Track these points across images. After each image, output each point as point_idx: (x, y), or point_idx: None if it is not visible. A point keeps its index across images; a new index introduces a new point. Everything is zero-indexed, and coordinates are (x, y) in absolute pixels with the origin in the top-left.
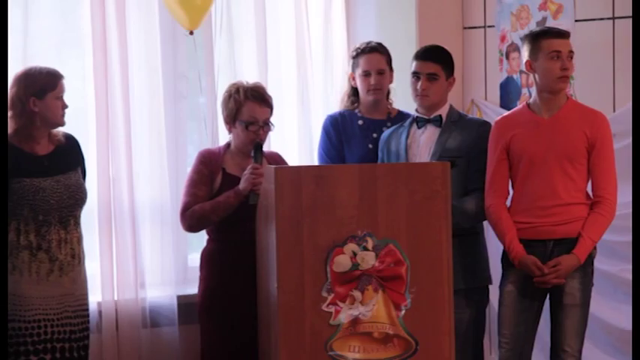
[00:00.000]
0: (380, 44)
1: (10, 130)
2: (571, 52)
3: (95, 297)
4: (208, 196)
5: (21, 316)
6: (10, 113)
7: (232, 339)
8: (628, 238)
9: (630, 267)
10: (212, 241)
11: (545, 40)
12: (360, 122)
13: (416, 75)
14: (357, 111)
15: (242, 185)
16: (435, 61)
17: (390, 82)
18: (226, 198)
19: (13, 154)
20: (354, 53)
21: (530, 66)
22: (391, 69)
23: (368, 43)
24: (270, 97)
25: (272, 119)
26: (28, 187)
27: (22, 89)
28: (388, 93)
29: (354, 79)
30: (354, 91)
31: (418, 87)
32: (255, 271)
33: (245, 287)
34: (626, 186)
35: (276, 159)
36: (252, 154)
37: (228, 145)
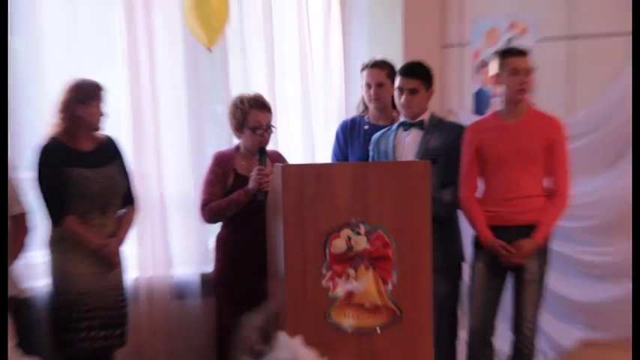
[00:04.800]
0: (382, 61)
1: (59, 129)
2: (530, 68)
3: (132, 274)
4: (222, 193)
5: (69, 289)
6: (60, 116)
7: (242, 310)
8: (580, 224)
9: (586, 249)
10: (224, 228)
11: (507, 58)
12: (366, 127)
13: (400, 89)
14: (366, 117)
15: (250, 185)
16: (416, 77)
17: (391, 93)
18: (238, 196)
19: (62, 149)
20: (361, 67)
21: (496, 80)
22: (393, 82)
23: (372, 60)
24: (269, 103)
25: (276, 123)
26: (75, 175)
27: (70, 96)
28: (393, 102)
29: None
30: (364, 100)
31: (402, 100)
32: (260, 254)
33: (251, 267)
34: (578, 180)
35: (277, 157)
36: (257, 156)
37: (237, 147)
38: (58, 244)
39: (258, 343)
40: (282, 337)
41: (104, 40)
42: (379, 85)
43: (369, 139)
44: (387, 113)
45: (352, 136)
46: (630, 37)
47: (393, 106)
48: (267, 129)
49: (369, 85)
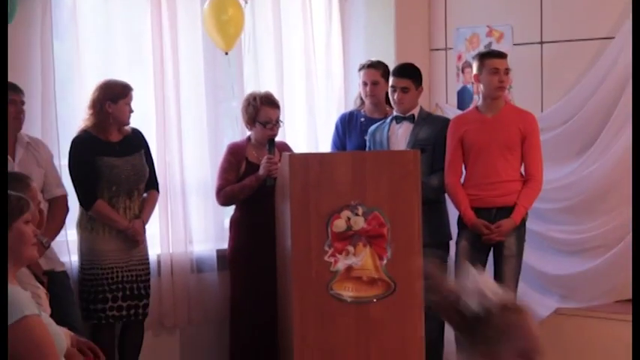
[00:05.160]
0: (377, 61)
1: (90, 123)
2: (507, 69)
3: (155, 250)
4: (235, 179)
5: (98, 264)
6: (90, 111)
7: (253, 283)
8: (553, 205)
9: (558, 228)
10: (238, 211)
11: (487, 59)
12: (362, 120)
13: (393, 87)
14: (362, 111)
15: (261, 172)
16: (407, 77)
17: (386, 90)
18: (249, 181)
19: (93, 140)
20: (359, 67)
21: (477, 79)
22: (386, 80)
23: (368, 61)
24: (278, 100)
25: (283, 117)
26: (105, 163)
27: (101, 95)
28: (388, 98)
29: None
30: (361, 96)
31: (395, 97)
32: (269, 232)
33: (261, 244)
34: (550, 167)
35: (284, 147)
36: (267, 147)
37: (249, 138)
38: (88, 224)
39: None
40: (469, 269)
41: (134, 45)
42: (374, 83)
43: (365, 130)
44: (381, 108)
45: (350, 127)
46: (594, 42)
47: (387, 101)
48: (276, 123)
49: (365, 83)
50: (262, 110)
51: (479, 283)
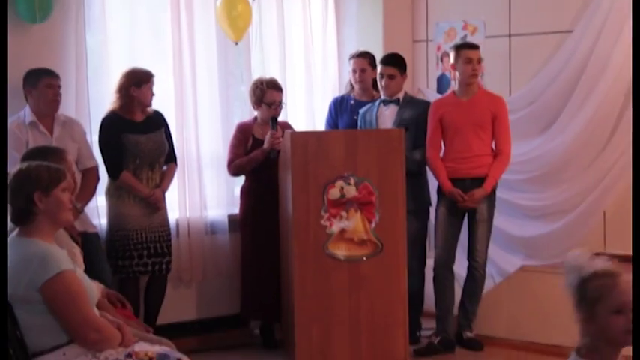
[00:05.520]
0: (365, 52)
1: (117, 105)
2: (479, 59)
3: (174, 215)
4: (244, 153)
5: (124, 227)
6: (117, 95)
7: (260, 243)
8: (519, 177)
9: (523, 196)
10: (247, 180)
11: (462, 50)
12: (352, 102)
13: (381, 74)
14: (352, 95)
15: (265, 146)
16: (393, 65)
17: (373, 76)
18: (255, 155)
19: (119, 120)
20: (349, 57)
21: (454, 67)
22: (373, 67)
23: (357, 51)
24: (281, 85)
25: (285, 99)
26: (130, 140)
27: (126, 80)
28: (375, 83)
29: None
30: (351, 82)
31: (383, 83)
32: (274, 200)
33: (267, 210)
34: (517, 143)
35: (286, 125)
36: (270, 124)
37: (255, 118)
38: (115, 192)
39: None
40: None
41: (156, 38)
42: (363, 71)
43: (355, 111)
44: (368, 92)
45: (341, 109)
46: (555, 35)
47: (374, 86)
48: (279, 104)
49: (355, 71)
50: (268, 93)
51: (577, 261)
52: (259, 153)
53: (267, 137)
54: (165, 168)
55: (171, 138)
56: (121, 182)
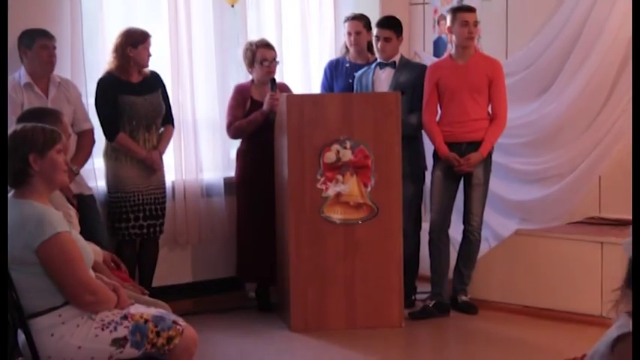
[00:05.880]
0: (360, 14)
1: (113, 66)
2: (476, 21)
3: (170, 177)
4: (242, 115)
5: (122, 189)
6: (113, 55)
7: (256, 206)
8: (515, 141)
9: (519, 160)
10: (243, 143)
11: (459, 13)
12: (347, 65)
13: (377, 37)
14: (347, 57)
15: (265, 107)
16: (389, 28)
17: (368, 39)
18: (254, 117)
19: (116, 81)
20: (344, 20)
21: (450, 30)
22: (368, 30)
23: (352, 14)
24: (272, 44)
25: (282, 61)
26: (126, 101)
27: (123, 40)
28: (370, 46)
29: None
30: (346, 44)
31: (378, 46)
32: (270, 163)
33: (263, 173)
34: (513, 107)
35: (284, 87)
36: (270, 85)
37: (252, 80)
38: (112, 154)
39: None
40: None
41: (151, 2)
42: (357, 33)
43: (350, 74)
44: (363, 54)
45: (337, 72)
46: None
47: (369, 49)
48: (272, 61)
49: (349, 33)
50: (258, 52)
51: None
52: (259, 114)
53: (267, 99)
54: (162, 130)
55: (168, 99)
56: (117, 144)
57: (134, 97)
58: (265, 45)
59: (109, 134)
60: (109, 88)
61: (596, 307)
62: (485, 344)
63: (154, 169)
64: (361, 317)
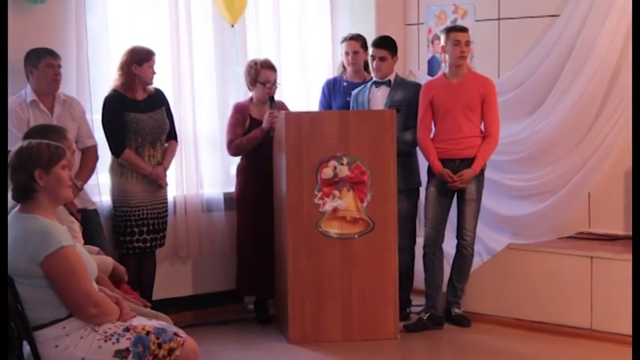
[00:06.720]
0: (357, 34)
1: (119, 83)
2: (468, 41)
3: (172, 192)
4: (242, 133)
5: (127, 203)
6: (119, 72)
7: (255, 221)
8: (507, 157)
9: (511, 176)
10: (243, 159)
11: (452, 33)
12: (345, 84)
13: (372, 57)
14: (344, 76)
15: (264, 125)
16: (384, 47)
17: (365, 59)
18: (255, 134)
19: (121, 98)
20: (341, 40)
21: (444, 50)
22: (365, 50)
23: (349, 34)
24: (275, 65)
25: (280, 80)
26: (132, 118)
27: (128, 58)
28: (366, 65)
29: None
30: (343, 64)
31: (374, 65)
32: (269, 178)
33: (262, 188)
34: (505, 125)
35: (282, 105)
36: (269, 103)
37: (251, 98)
38: (119, 169)
39: None
40: None
41: (155, 19)
42: (355, 53)
43: (347, 93)
44: (360, 74)
45: (334, 90)
46: (543, 19)
47: (365, 68)
48: (273, 83)
49: (347, 53)
50: (262, 72)
51: None
52: (259, 132)
53: (266, 116)
54: (166, 145)
55: (172, 116)
56: (123, 160)
57: (139, 115)
58: (269, 66)
59: (116, 151)
60: (114, 105)
61: (586, 320)
62: (478, 356)
63: (159, 184)
64: (357, 329)
